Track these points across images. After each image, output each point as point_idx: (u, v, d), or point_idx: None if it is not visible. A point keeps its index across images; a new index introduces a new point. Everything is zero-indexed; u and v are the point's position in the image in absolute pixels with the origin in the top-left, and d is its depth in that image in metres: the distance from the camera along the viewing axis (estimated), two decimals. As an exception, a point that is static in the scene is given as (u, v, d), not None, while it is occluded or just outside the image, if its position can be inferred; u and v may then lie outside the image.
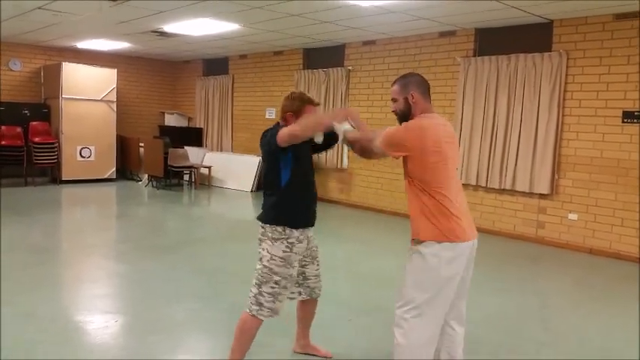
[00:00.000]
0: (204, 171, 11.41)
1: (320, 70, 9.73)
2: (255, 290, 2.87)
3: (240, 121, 11.70)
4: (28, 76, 11.20)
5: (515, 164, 7.13)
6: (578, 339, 3.93)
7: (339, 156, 9.41)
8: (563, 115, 6.74)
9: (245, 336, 2.92)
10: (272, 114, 10.85)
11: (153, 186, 10.99)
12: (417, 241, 2.60)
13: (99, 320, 3.87)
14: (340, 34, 8.45)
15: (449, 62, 7.88)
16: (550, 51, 6.79)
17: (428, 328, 2.60)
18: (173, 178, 11.15)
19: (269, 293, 2.84)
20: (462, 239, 2.57)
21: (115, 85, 11.27)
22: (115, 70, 11.37)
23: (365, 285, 4.92)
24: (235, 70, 11.75)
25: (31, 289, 4.45)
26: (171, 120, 13.01)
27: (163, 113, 13.23)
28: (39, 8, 7.27)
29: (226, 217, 8.92)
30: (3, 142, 10.16)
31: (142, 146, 11.40)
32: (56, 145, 10.59)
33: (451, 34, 7.83)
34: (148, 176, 11.19)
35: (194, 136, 12.43)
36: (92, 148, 11.05)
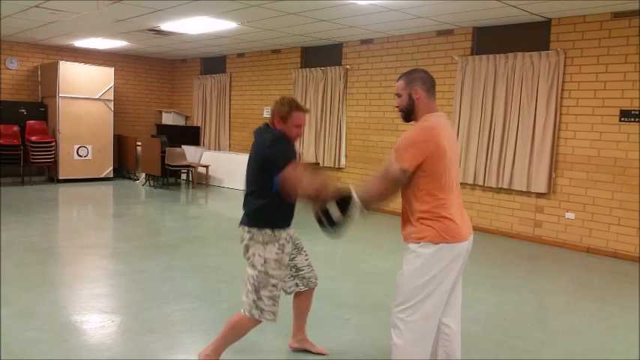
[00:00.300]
0: (202, 170, 11.39)
1: (318, 68, 9.72)
2: (253, 296, 2.84)
3: (238, 120, 11.69)
4: (25, 74, 11.17)
5: (513, 163, 7.13)
6: (577, 338, 3.93)
7: (336, 155, 9.40)
8: (560, 114, 6.74)
9: (235, 331, 2.94)
10: (269, 113, 10.84)
11: (150, 185, 10.97)
12: (413, 241, 2.60)
13: (96, 320, 3.87)
14: (338, 32, 8.44)
15: (446, 61, 7.88)
16: (548, 50, 6.79)
17: (425, 328, 2.60)
18: (170, 177, 11.13)
19: (268, 297, 2.83)
20: (459, 239, 2.57)
21: (112, 84, 11.25)
22: (113, 68, 11.36)
23: (364, 284, 4.91)
24: (233, 68, 11.73)
25: (28, 289, 4.44)
26: (168, 119, 12.98)
27: (161, 112, 13.22)
28: (36, 7, 7.25)
29: (224, 216, 8.90)
30: (0, 141, 10.13)
31: (139, 145, 11.39)
32: (53, 144, 10.57)
33: (449, 32, 7.83)
34: (146, 175, 11.17)
35: (191, 135, 12.41)
36: (89, 147, 11.03)
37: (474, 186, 7.61)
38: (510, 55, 7.10)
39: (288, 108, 2.87)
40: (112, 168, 11.45)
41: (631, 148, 6.18)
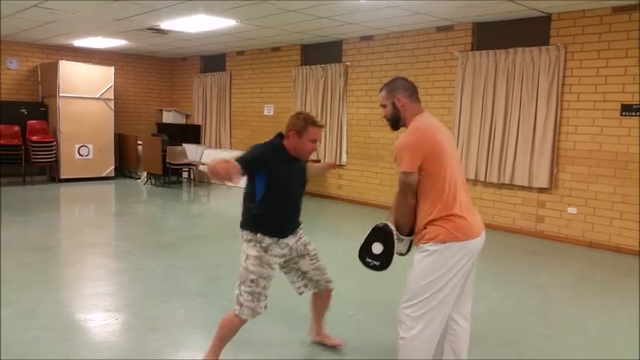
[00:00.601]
0: (203, 168, 11.39)
1: (318, 66, 9.71)
2: (236, 290, 2.95)
3: (239, 118, 11.68)
4: (26, 74, 11.17)
5: (514, 158, 7.12)
6: (580, 333, 3.93)
7: (337, 152, 9.40)
8: (561, 109, 6.73)
9: (223, 331, 3.00)
10: (270, 111, 10.84)
11: (151, 184, 10.98)
12: (425, 240, 2.60)
13: (99, 318, 3.88)
14: (338, 29, 8.43)
15: (447, 57, 7.87)
16: (548, 45, 6.78)
17: (432, 324, 2.60)
18: (172, 175, 11.14)
19: (247, 292, 2.90)
20: (470, 236, 2.57)
21: (112, 83, 11.25)
22: (113, 67, 11.35)
23: (366, 280, 4.90)
24: (233, 66, 11.73)
25: (31, 288, 4.45)
26: (169, 117, 12.98)
27: (161, 111, 13.22)
28: (35, 6, 7.25)
29: (225, 214, 8.91)
30: (1, 141, 10.13)
31: (140, 144, 11.39)
32: (54, 143, 10.57)
33: (449, 28, 7.82)
34: (147, 174, 11.18)
35: (192, 134, 12.40)
36: (90, 146, 11.04)
37: (475, 181, 7.60)
38: (511, 50, 7.09)
39: (304, 123, 2.90)
40: (113, 167, 11.46)
41: (632, 142, 6.17)
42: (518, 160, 7.08)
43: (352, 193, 9.34)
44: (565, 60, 6.65)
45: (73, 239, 6.42)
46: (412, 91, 2.72)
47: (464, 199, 2.61)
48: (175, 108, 13.20)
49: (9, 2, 7.07)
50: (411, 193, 2.61)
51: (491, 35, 7.43)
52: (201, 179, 11.40)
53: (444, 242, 2.53)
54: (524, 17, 6.97)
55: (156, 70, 13.14)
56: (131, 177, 11.85)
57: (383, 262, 2.74)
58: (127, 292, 4.54)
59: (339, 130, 9.39)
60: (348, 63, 9.24)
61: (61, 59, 10.85)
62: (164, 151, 10.66)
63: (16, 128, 10.44)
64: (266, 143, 2.96)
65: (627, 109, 6.18)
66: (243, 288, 2.90)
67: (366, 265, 2.80)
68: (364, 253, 2.79)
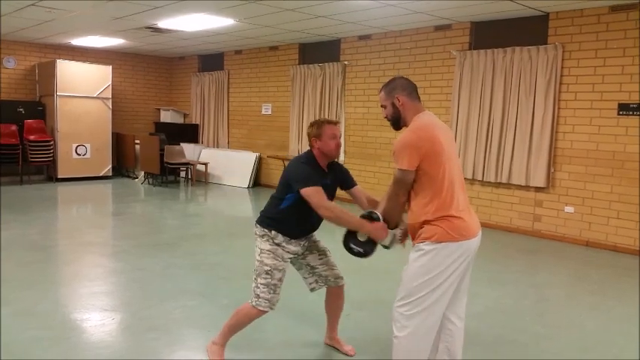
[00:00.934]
0: (201, 167, 11.39)
1: (316, 65, 9.70)
2: (253, 284, 3.03)
3: (237, 117, 11.68)
4: (23, 73, 11.15)
5: (512, 157, 7.13)
6: (577, 331, 3.94)
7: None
8: (559, 108, 6.74)
9: (239, 318, 3.09)
10: (268, 110, 10.84)
11: (149, 183, 10.97)
12: (421, 240, 2.60)
13: (96, 318, 3.87)
14: (336, 28, 8.43)
15: (445, 56, 7.87)
16: (546, 44, 6.78)
17: (426, 323, 2.60)
18: (169, 175, 11.12)
19: (263, 284, 2.99)
20: (467, 237, 2.57)
21: (110, 82, 11.23)
22: (110, 66, 11.34)
23: (364, 280, 4.92)
24: (231, 65, 11.72)
25: (29, 287, 4.44)
26: (166, 116, 12.97)
27: (159, 110, 13.20)
28: (32, 5, 7.23)
29: (223, 213, 8.91)
30: (-2, 141, 10.13)
31: (137, 143, 11.37)
32: (52, 142, 10.56)
33: (447, 27, 7.82)
34: (145, 173, 11.17)
35: (190, 133, 12.40)
36: (88, 145, 11.03)
37: (472, 181, 7.61)
38: (508, 49, 7.09)
39: (318, 125, 3.06)
40: (110, 166, 11.44)
41: (629, 142, 6.18)
42: (516, 159, 7.09)
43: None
44: (563, 59, 6.66)
45: (71, 238, 6.42)
46: (411, 89, 2.72)
47: (461, 199, 2.61)
48: (173, 107, 13.19)
49: (6, 2, 7.05)
50: (404, 190, 2.63)
51: (489, 34, 7.44)
52: (198, 179, 11.39)
53: (441, 242, 2.53)
54: (521, 16, 6.98)
55: (154, 69, 13.12)
56: (129, 176, 11.84)
57: (366, 251, 2.85)
58: (125, 291, 4.54)
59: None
60: (346, 62, 9.24)
61: (59, 58, 10.84)
62: (162, 150, 10.65)
63: (14, 127, 10.42)
64: (306, 161, 3.02)
65: (624, 109, 6.19)
66: (259, 280, 3.00)
67: (350, 250, 2.88)
68: (349, 239, 2.88)
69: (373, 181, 8.91)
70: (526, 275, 5.41)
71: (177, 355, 3.40)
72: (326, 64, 9.51)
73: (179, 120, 13.07)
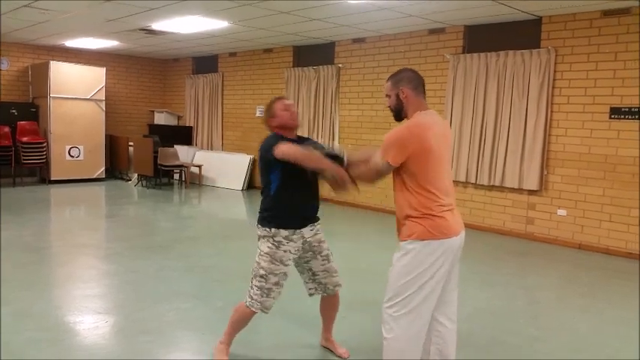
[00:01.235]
0: (195, 170, 11.38)
1: (310, 67, 9.72)
2: (249, 284, 3.05)
3: (231, 120, 11.67)
4: (16, 75, 11.11)
5: (505, 160, 7.17)
6: (569, 334, 3.96)
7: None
8: (551, 112, 6.78)
9: (235, 316, 3.13)
10: (262, 112, 10.82)
11: (143, 185, 10.94)
12: (403, 238, 2.63)
13: (89, 320, 3.86)
14: (330, 31, 8.45)
15: (438, 59, 7.91)
16: (539, 47, 6.83)
17: (414, 324, 2.62)
18: (163, 177, 11.10)
19: (257, 287, 2.99)
20: (448, 235, 2.60)
21: (103, 84, 11.21)
22: (104, 68, 11.31)
23: (358, 281, 4.92)
24: (225, 68, 11.72)
25: (22, 290, 4.42)
26: (160, 119, 12.95)
27: (153, 112, 13.18)
28: (26, 6, 7.21)
29: (217, 216, 8.90)
30: (-9, 142, 10.08)
31: (131, 145, 11.35)
32: (45, 144, 10.52)
33: (440, 31, 7.86)
34: (138, 175, 11.14)
35: (184, 135, 12.37)
36: (81, 147, 10.99)
37: (466, 183, 7.64)
38: (502, 53, 7.13)
39: (268, 106, 3.15)
40: (104, 168, 11.41)
41: (621, 145, 6.23)
42: (509, 162, 7.13)
43: (344, 195, 9.33)
44: (555, 63, 6.70)
45: (64, 240, 6.39)
46: (417, 83, 2.72)
47: (446, 199, 2.63)
48: (167, 109, 13.17)
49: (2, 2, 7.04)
50: (380, 178, 2.71)
51: (483, 38, 7.48)
52: (192, 181, 11.37)
53: (422, 240, 2.56)
54: (515, 20, 7.02)
55: (147, 71, 13.10)
56: (122, 178, 11.80)
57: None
58: (118, 294, 4.52)
59: (330, 132, 9.40)
60: (340, 65, 9.26)
61: (52, 59, 10.80)
62: (155, 152, 10.62)
63: (6, 129, 10.37)
64: (272, 137, 3.03)
65: (616, 112, 6.24)
66: (254, 282, 3.01)
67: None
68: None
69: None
70: (518, 277, 5.43)
71: (170, 357, 3.40)
72: (320, 66, 9.53)
73: (173, 122, 13.05)
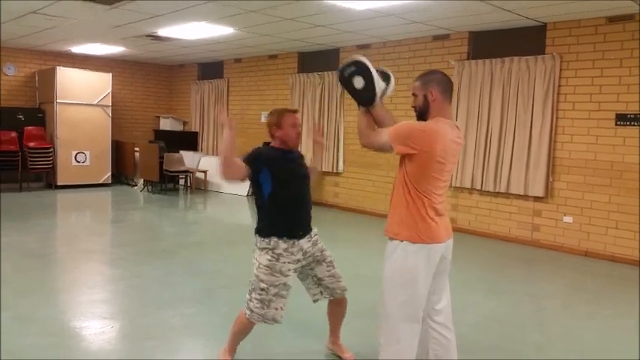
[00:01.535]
0: (200, 175, 11.40)
1: (315, 73, 9.74)
2: (248, 296, 3.02)
3: (236, 125, 11.67)
4: (23, 80, 11.18)
5: (510, 167, 7.16)
6: (575, 341, 3.94)
7: (334, 159, 9.43)
8: (557, 118, 6.77)
9: (236, 327, 3.12)
10: (267, 116, 10.85)
11: (148, 191, 10.98)
12: (390, 236, 2.67)
13: (95, 326, 3.87)
14: (335, 37, 8.48)
15: (443, 66, 7.90)
16: (544, 54, 6.82)
17: (403, 327, 2.65)
18: (169, 182, 11.13)
19: (257, 300, 2.95)
20: (437, 240, 2.63)
21: (109, 90, 11.26)
22: (110, 74, 11.37)
23: (360, 287, 4.89)
24: (230, 74, 11.76)
25: (28, 295, 4.44)
26: (166, 124, 12.99)
27: (158, 117, 13.23)
28: (33, 12, 7.27)
29: (222, 221, 8.91)
30: (-2, 148, 10.14)
31: (137, 151, 11.39)
32: (51, 150, 10.57)
33: (445, 37, 7.87)
34: (144, 181, 11.18)
35: (189, 141, 12.42)
36: (87, 152, 11.04)
37: (471, 190, 7.63)
38: (506, 59, 7.13)
39: (278, 114, 3.11)
40: (110, 174, 11.45)
41: (627, 152, 6.21)
42: (514, 168, 7.11)
43: (349, 201, 9.35)
44: (560, 69, 6.69)
45: (70, 246, 6.42)
46: (446, 86, 2.67)
47: (440, 206, 2.66)
48: (173, 115, 13.22)
49: (7, 9, 7.09)
50: (373, 148, 2.77)
51: (487, 44, 7.48)
52: (198, 186, 11.40)
53: (413, 243, 2.59)
54: (519, 26, 7.02)
55: (153, 76, 13.17)
56: (128, 184, 11.84)
57: (367, 96, 2.84)
58: (123, 299, 4.54)
59: (335, 138, 9.41)
60: (345, 71, 9.26)
61: (59, 65, 10.87)
62: (161, 158, 10.67)
63: (13, 134, 10.44)
64: (257, 147, 3.11)
65: (622, 119, 6.23)
66: (253, 295, 2.97)
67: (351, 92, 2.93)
68: (347, 83, 2.90)
69: (372, 190, 8.92)
70: (524, 285, 5.41)
71: (175, 363, 3.40)
72: (325, 72, 9.55)
73: (178, 128, 13.10)
